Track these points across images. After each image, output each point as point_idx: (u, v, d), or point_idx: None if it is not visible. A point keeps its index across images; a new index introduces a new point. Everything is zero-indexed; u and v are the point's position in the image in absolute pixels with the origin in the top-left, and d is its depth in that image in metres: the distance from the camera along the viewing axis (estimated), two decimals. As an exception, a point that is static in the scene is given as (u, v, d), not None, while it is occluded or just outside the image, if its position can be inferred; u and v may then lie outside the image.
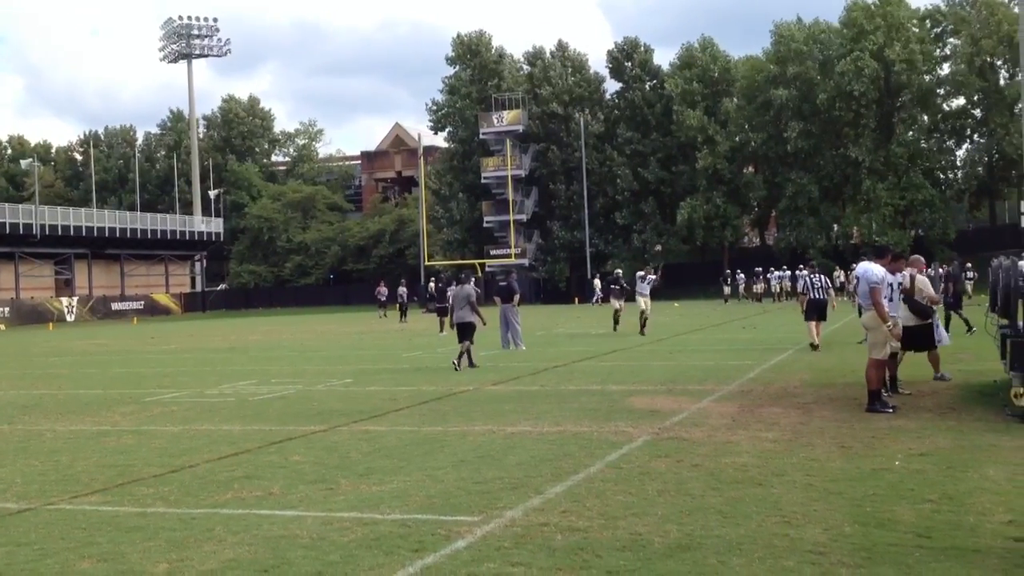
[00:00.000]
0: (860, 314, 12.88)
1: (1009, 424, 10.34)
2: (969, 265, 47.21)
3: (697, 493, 7.52)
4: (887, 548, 5.90)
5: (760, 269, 57.10)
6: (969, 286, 43.85)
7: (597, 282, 61.21)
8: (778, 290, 55.38)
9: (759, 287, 55.89)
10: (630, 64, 71.52)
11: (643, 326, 27.29)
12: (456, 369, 18.52)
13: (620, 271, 33.15)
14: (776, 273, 56.30)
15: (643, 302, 27.67)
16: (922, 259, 16.94)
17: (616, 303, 29.64)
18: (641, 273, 28.90)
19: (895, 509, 6.84)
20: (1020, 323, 11.50)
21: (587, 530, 6.51)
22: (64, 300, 68.17)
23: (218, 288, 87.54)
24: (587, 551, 6.01)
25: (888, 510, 6.82)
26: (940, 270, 27.14)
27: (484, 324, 19.72)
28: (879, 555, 5.76)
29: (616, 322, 29.43)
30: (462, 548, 6.16)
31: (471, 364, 19.15)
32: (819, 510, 6.88)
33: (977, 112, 64.90)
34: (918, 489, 7.43)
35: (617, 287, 30.05)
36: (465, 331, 19.36)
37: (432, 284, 48.14)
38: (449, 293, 33.95)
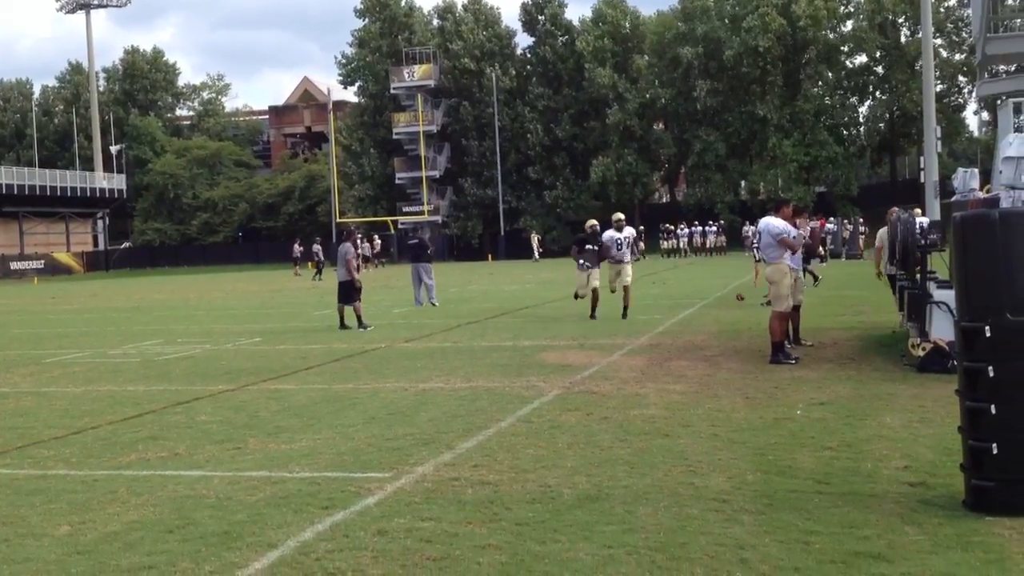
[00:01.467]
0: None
1: (906, 373, 10.67)
2: (861, 221, 48.34)
3: (606, 445, 7.62)
4: (788, 495, 6.06)
5: (670, 226, 57.84)
6: (862, 240, 45.06)
7: (535, 239, 60.78)
8: (686, 246, 56.19)
9: (669, 243, 56.61)
10: (542, 19, 71.26)
11: (594, 309, 18.53)
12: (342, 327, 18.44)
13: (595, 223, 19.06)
14: (687, 229, 57.10)
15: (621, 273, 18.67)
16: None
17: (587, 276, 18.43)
18: (618, 236, 18.49)
19: (796, 457, 7.03)
20: (916, 276, 11.87)
21: (497, 484, 6.55)
22: (-40, 259, 65.85)
23: (122, 246, 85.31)
24: (497, 504, 6.05)
25: (789, 458, 7.00)
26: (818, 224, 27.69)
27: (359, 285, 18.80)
28: (780, 501, 5.91)
29: (594, 305, 18.56)
30: (372, 505, 6.15)
31: (343, 326, 18.59)
32: (723, 459, 7.03)
33: (879, 69, 66.29)
34: (818, 437, 7.64)
35: (592, 250, 18.51)
36: (344, 291, 18.57)
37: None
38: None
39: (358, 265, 19.22)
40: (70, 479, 7.17)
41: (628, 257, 18.45)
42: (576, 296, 19.06)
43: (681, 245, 56.44)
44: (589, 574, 4.81)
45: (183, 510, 6.19)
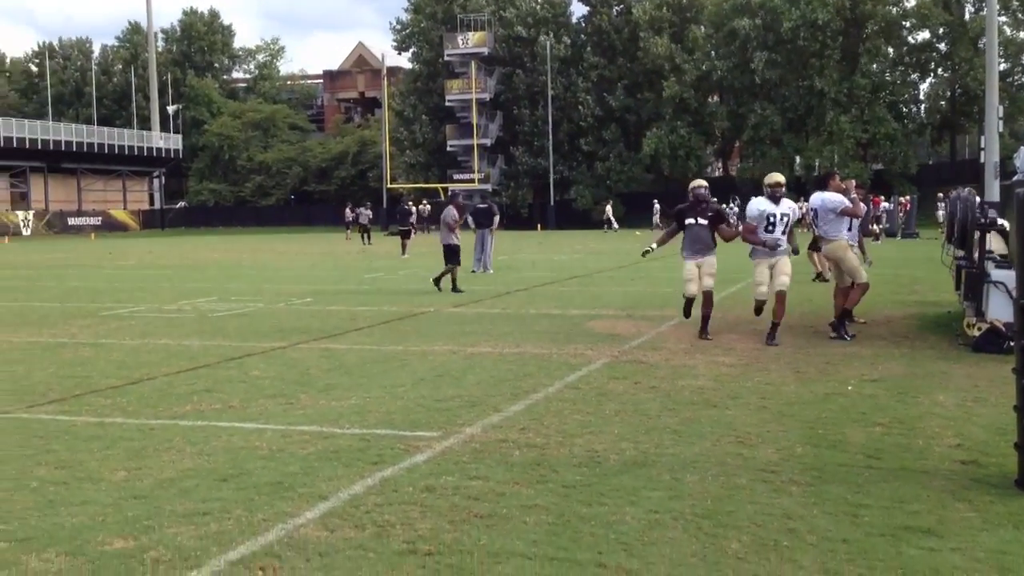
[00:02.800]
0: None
1: (961, 353, 10.54)
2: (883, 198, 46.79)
3: (653, 413, 7.62)
4: (837, 468, 6.03)
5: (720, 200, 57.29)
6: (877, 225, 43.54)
7: (610, 210, 59.32)
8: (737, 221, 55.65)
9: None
10: (598, -12, 70.60)
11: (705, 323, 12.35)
12: (438, 289, 18.43)
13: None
14: (739, 203, 56.48)
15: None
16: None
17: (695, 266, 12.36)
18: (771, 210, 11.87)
19: (846, 431, 6.99)
20: (975, 255, 11.68)
21: (544, 447, 6.59)
22: (20, 214, 67.04)
23: (177, 206, 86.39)
24: (544, 466, 6.09)
25: (839, 432, 6.96)
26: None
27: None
28: (829, 474, 5.89)
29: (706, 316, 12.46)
30: (421, 462, 6.22)
31: (454, 288, 18.42)
32: (772, 431, 7.00)
33: (942, 46, 64.93)
34: (869, 413, 7.58)
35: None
36: (449, 254, 18.80)
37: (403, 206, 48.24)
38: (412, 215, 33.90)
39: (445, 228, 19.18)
40: (127, 427, 7.33)
41: (785, 244, 11.56)
42: (687, 307, 12.35)
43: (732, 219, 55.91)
44: (635, 537, 4.83)
45: (237, 460, 6.30)
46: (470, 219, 24.91)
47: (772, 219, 11.42)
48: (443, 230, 19.41)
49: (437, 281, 18.74)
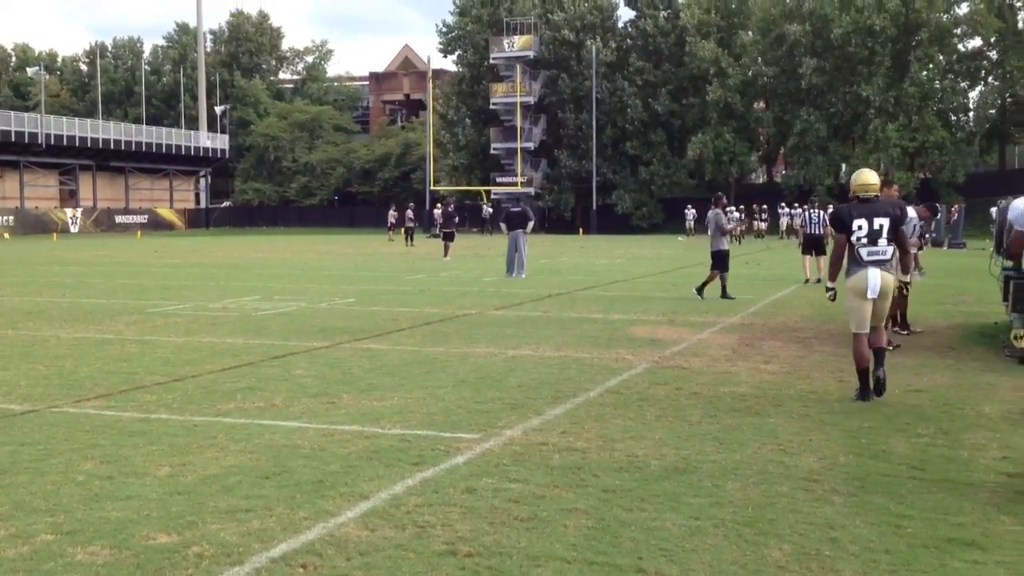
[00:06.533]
0: None
1: (1008, 364, 10.39)
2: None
3: (695, 420, 7.59)
4: (880, 478, 5.97)
5: (765, 206, 56.88)
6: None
7: (692, 214, 55.20)
8: (785, 227, 55.08)
9: (761, 224, 55.70)
10: (645, -8, 70.45)
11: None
12: (701, 298, 17.62)
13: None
14: (786, 210, 55.92)
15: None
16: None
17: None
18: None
19: (890, 441, 6.91)
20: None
21: (585, 451, 6.59)
22: (68, 211, 68.11)
23: (222, 205, 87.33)
24: (584, 470, 6.09)
25: (883, 442, 6.89)
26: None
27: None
28: (872, 484, 5.83)
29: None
30: (461, 464, 6.24)
31: (724, 295, 17.78)
32: (814, 440, 6.95)
33: (993, 54, 64.02)
34: (913, 423, 7.50)
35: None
36: (718, 259, 18.01)
37: (438, 209, 48.55)
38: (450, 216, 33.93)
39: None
40: (171, 423, 7.42)
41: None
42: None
43: (780, 225, 55.33)
44: (676, 543, 4.82)
45: (279, 458, 6.36)
46: (503, 224, 24.75)
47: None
48: (713, 235, 18.23)
49: (723, 294, 17.89)
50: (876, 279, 8.36)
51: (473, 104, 73.96)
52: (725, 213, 20.64)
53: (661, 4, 70.59)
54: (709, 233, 18.32)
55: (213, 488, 5.70)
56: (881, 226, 8.40)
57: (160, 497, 5.53)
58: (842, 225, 8.53)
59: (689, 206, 58.07)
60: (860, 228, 8.42)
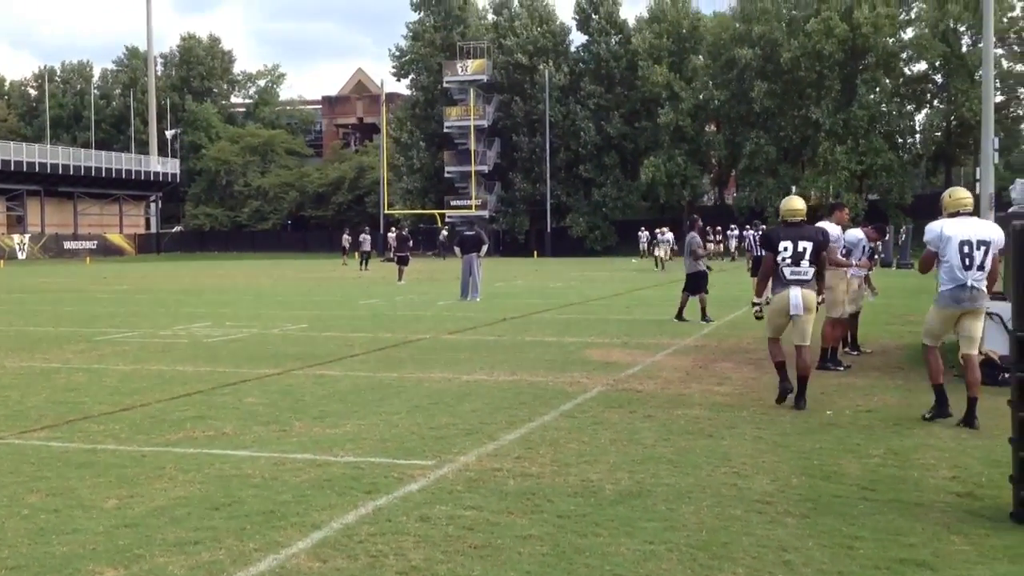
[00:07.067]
0: None
1: (956, 384, 10.48)
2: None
3: (649, 443, 7.60)
4: (832, 499, 6.01)
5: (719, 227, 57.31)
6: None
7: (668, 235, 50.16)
8: (735, 247, 55.50)
9: (714, 246, 56.07)
10: (597, 17, 71.09)
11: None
12: (683, 321, 17.56)
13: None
14: (735, 231, 56.40)
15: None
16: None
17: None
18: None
19: (841, 462, 6.97)
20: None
21: (540, 476, 6.57)
22: (16, 237, 67.02)
23: (173, 230, 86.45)
24: (539, 496, 6.07)
25: (834, 463, 6.94)
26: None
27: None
28: (824, 506, 5.87)
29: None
30: (415, 491, 6.19)
31: (680, 317, 17.77)
32: (767, 462, 6.98)
33: (938, 77, 65.30)
34: (865, 444, 7.57)
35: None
36: (692, 281, 18.02)
37: (392, 233, 48.47)
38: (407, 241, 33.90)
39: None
40: (119, 454, 7.29)
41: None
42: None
43: (731, 248, 55.85)
44: (630, 568, 4.80)
45: (229, 488, 6.27)
46: (457, 248, 24.75)
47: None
48: (687, 257, 18.38)
49: (679, 315, 17.84)
50: (798, 297, 9.01)
51: (427, 128, 74.05)
52: (704, 236, 20.98)
53: (612, 29, 71.23)
54: (684, 256, 18.53)
55: (161, 520, 5.60)
56: (804, 248, 9.09)
57: (107, 530, 5.42)
58: (770, 246, 9.24)
59: (643, 228, 58.39)
60: (785, 249, 9.10)
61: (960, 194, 8.65)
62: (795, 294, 8.98)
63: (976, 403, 8.34)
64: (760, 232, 22.26)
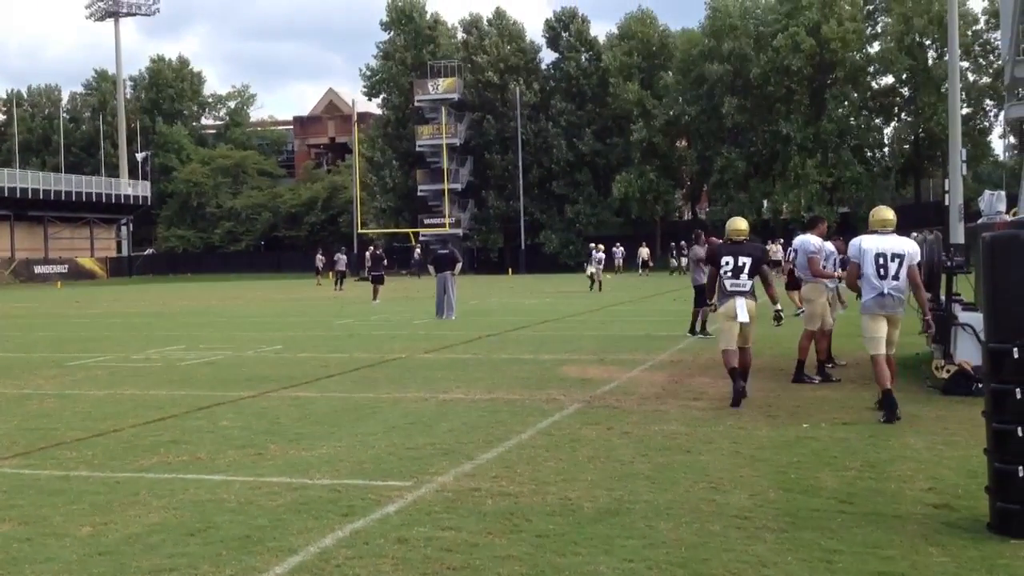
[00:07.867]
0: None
1: (930, 395, 10.59)
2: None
3: (626, 460, 7.59)
4: (810, 513, 6.02)
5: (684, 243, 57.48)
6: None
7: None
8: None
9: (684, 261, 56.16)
10: (567, 34, 71.48)
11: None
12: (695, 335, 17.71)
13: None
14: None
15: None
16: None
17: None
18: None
19: (819, 476, 6.98)
20: (942, 297, 11.79)
21: (518, 495, 6.54)
22: (-15, 262, 66.44)
23: (145, 253, 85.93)
24: (518, 515, 6.04)
25: (812, 477, 6.95)
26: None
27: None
28: (802, 520, 5.87)
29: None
30: (392, 513, 6.15)
31: (704, 331, 17.79)
32: (745, 476, 6.99)
33: (905, 91, 66.02)
34: (841, 457, 7.59)
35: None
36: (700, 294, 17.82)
37: (368, 252, 48.40)
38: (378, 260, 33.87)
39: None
40: (92, 480, 7.20)
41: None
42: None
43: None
44: (610, 587, 4.78)
45: (204, 514, 6.20)
46: (430, 266, 24.74)
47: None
48: (695, 271, 18.45)
49: (692, 329, 17.98)
50: (742, 307, 10.04)
51: (399, 147, 74.12)
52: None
53: (583, 46, 71.65)
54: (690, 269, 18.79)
55: (136, 547, 5.53)
56: (744, 263, 10.13)
57: (81, 559, 5.35)
58: (713, 261, 10.47)
59: (617, 244, 58.54)
60: (727, 264, 10.17)
61: (882, 214, 9.58)
62: (740, 304, 10.00)
63: (890, 394, 9.11)
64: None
